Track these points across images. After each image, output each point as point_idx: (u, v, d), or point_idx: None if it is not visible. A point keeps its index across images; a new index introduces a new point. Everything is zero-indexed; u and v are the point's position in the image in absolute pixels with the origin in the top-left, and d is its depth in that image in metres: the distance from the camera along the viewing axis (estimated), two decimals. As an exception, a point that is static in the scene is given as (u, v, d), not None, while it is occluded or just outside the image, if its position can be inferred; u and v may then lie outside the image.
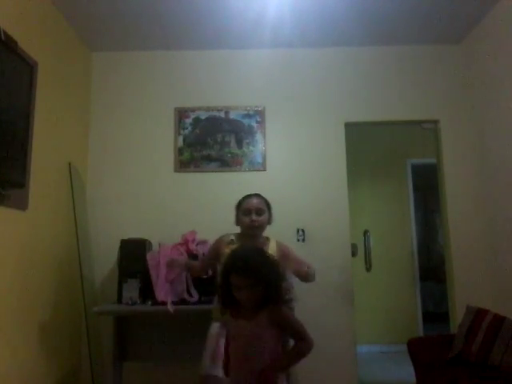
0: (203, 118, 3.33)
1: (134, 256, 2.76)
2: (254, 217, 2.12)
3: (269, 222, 2.23)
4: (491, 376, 2.18)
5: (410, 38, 3.29)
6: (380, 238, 4.55)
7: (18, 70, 2.26)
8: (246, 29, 3.09)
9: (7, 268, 2.21)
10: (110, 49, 3.38)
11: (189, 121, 3.33)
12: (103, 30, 3.11)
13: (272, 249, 2.15)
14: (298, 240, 3.15)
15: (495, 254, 2.99)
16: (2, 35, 2.09)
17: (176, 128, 3.32)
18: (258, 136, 3.31)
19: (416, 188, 4.93)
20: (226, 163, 3.28)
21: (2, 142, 2.10)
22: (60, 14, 2.87)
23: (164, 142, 3.30)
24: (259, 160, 3.28)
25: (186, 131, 3.32)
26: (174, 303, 2.56)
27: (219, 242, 2.24)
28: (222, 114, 3.34)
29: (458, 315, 2.97)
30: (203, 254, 2.69)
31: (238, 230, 2.27)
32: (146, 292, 2.68)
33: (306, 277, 2.10)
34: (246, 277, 1.52)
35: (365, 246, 3.88)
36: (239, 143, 3.30)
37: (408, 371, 2.71)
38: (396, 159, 4.88)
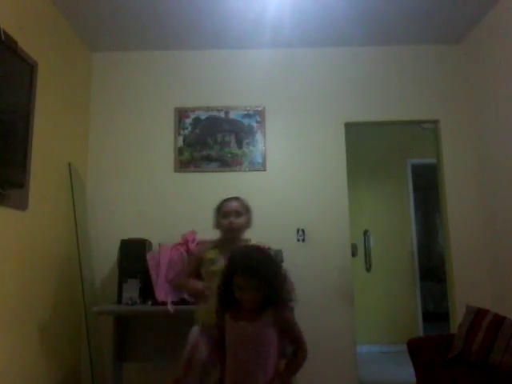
0: (203, 117, 3.33)
1: (133, 256, 2.76)
2: (232, 219, 2.12)
3: (248, 225, 2.21)
4: (491, 376, 2.18)
5: (410, 38, 3.29)
6: (380, 238, 4.56)
7: (18, 70, 2.26)
8: (246, 29, 3.09)
9: (7, 268, 2.21)
10: (109, 49, 3.38)
11: (189, 121, 3.33)
12: (103, 30, 3.11)
13: None
14: (298, 240, 3.15)
15: (495, 253, 2.99)
16: (2, 35, 2.09)
17: (176, 128, 3.31)
18: (258, 136, 3.31)
19: (416, 188, 4.93)
20: (225, 163, 3.28)
21: (2, 142, 2.10)
22: (60, 14, 2.87)
23: (164, 142, 3.30)
24: (259, 160, 3.28)
25: (186, 131, 3.32)
26: (173, 303, 2.56)
27: (199, 250, 2.23)
28: (222, 114, 3.34)
29: (458, 315, 2.97)
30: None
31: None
32: (146, 292, 2.68)
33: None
34: (251, 277, 1.48)
35: (365, 246, 3.89)
36: (239, 143, 3.30)
37: (408, 371, 2.71)
38: (396, 159, 4.88)
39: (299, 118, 3.33)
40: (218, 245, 2.16)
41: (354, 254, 3.25)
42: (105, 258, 3.11)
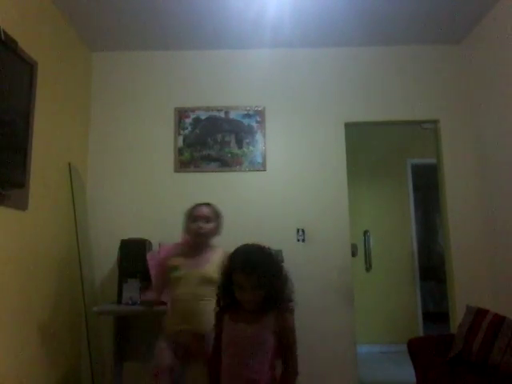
0: (203, 117, 3.33)
1: (133, 256, 2.75)
2: (201, 224, 2.12)
3: (217, 231, 2.20)
4: (491, 376, 2.18)
5: (410, 38, 3.29)
6: (380, 238, 4.56)
7: (18, 70, 2.26)
8: (246, 29, 3.09)
9: (7, 268, 2.20)
10: (109, 49, 3.39)
11: (189, 121, 3.33)
12: (103, 30, 3.11)
13: (217, 258, 2.10)
14: (298, 240, 3.15)
15: (495, 254, 2.99)
16: (2, 35, 2.09)
17: (176, 128, 3.32)
18: (258, 136, 3.31)
19: (416, 188, 4.93)
20: (225, 163, 3.28)
21: (1, 142, 2.10)
22: (60, 14, 2.86)
23: (164, 142, 3.31)
24: (259, 160, 3.28)
25: (186, 131, 3.32)
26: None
27: (164, 257, 2.22)
28: (222, 114, 3.34)
29: (458, 315, 2.97)
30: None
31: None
32: (146, 292, 2.68)
33: None
34: (251, 274, 1.44)
35: (365, 246, 3.89)
36: (239, 143, 3.30)
37: (408, 371, 2.71)
38: (396, 159, 4.88)
39: (299, 117, 3.33)
40: (182, 251, 2.15)
41: (353, 254, 3.25)
42: (105, 258, 3.11)
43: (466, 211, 3.18)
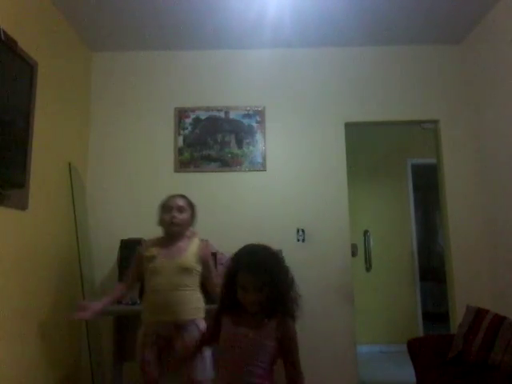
0: (203, 117, 3.33)
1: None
2: (174, 213, 2.12)
3: (191, 221, 2.21)
4: (491, 376, 2.18)
5: (410, 38, 3.29)
6: (380, 238, 4.55)
7: (18, 69, 2.26)
8: (246, 29, 3.09)
9: (7, 268, 2.20)
10: (110, 49, 3.39)
11: (189, 121, 3.33)
12: (103, 30, 3.11)
13: (194, 247, 2.14)
14: (298, 240, 3.15)
15: (495, 254, 2.99)
16: (2, 35, 2.09)
17: (176, 128, 3.32)
18: (258, 136, 3.31)
19: (416, 188, 4.93)
20: (226, 163, 3.28)
21: (2, 142, 2.10)
22: (60, 14, 2.86)
23: (164, 141, 3.31)
24: (259, 160, 3.28)
25: (186, 131, 3.32)
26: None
27: (140, 249, 2.22)
28: (222, 114, 3.34)
29: (458, 315, 2.97)
30: None
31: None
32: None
33: (214, 289, 2.12)
34: (255, 274, 1.40)
35: (365, 246, 3.88)
36: (239, 143, 3.30)
37: (408, 371, 2.71)
38: (396, 159, 4.88)
39: (299, 117, 3.33)
40: (158, 242, 2.16)
41: (353, 253, 3.24)
42: (105, 258, 3.11)
43: (465, 211, 3.18)
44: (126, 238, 2.85)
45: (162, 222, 2.18)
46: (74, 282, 2.87)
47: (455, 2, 2.81)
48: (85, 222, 3.11)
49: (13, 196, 2.22)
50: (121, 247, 2.80)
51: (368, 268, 3.82)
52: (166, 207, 2.17)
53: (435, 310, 5.36)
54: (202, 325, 2.05)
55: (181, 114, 3.33)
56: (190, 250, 2.12)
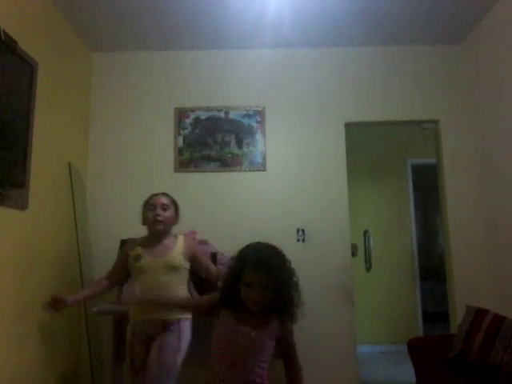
0: (203, 117, 3.33)
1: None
2: (158, 211, 2.12)
3: (175, 219, 2.22)
4: (491, 376, 2.18)
5: (410, 38, 3.29)
6: (380, 238, 4.55)
7: (18, 69, 2.26)
8: (246, 29, 3.09)
9: (7, 268, 2.21)
10: (110, 49, 3.38)
11: (189, 121, 3.33)
12: (103, 29, 3.11)
13: (180, 245, 2.16)
14: (298, 240, 3.15)
15: (495, 253, 2.99)
16: (2, 35, 2.09)
17: (176, 128, 3.31)
18: (258, 136, 3.31)
19: (416, 188, 4.93)
20: (225, 163, 3.28)
21: (2, 142, 2.10)
22: (60, 14, 2.86)
23: (164, 142, 3.30)
24: (259, 160, 3.28)
25: (186, 131, 3.32)
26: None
27: (124, 248, 2.24)
28: (222, 114, 3.34)
29: (458, 315, 2.97)
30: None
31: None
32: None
33: (216, 277, 2.14)
34: (263, 274, 1.39)
35: (365, 246, 3.88)
36: (239, 143, 3.30)
37: (408, 371, 2.71)
38: (396, 159, 4.88)
39: (299, 117, 3.33)
40: (143, 241, 2.16)
41: (353, 254, 3.24)
42: (105, 258, 3.10)
43: (466, 211, 3.18)
44: (125, 238, 2.84)
45: (145, 221, 2.18)
46: (74, 282, 2.87)
47: (455, 2, 2.81)
48: (85, 222, 3.11)
49: (13, 196, 2.22)
50: (121, 247, 2.80)
51: (368, 268, 3.82)
52: (150, 205, 2.17)
53: (435, 310, 5.36)
54: (186, 330, 2.06)
55: (181, 114, 3.33)
56: (176, 248, 2.14)
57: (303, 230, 3.17)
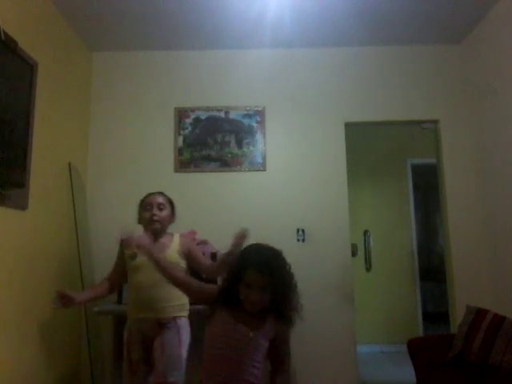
0: (203, 118, 3.33)
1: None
2: (154, 211, 2.12)
3: (171, 219, 2.23)
4: (491, 376, 2.18)
5: (410, 38, 3.29)
6: (380, 238, 4.55)
7: (18, 69, 2.26)
8: (246, 29, 3.09)
9: (7, 268, 2.20)
10: (110, 49, 3.39)
11: (189, 121, 3.33)
12: (103, 30, 3.11)
13: (175, 244, 2.16)
14: (298, 240, 3.15)
15: (495, 254, 2.99)
16: (2, 35, 2.09)
17: (176, 128, 3.32)
18: (258, 136, 3.31)
19: (416, 188, 4.93)
20: (225, 163, 3.28)
21: (2, 142, 2.10)
22: (60, 14, 2.86)
23: (164, 141, 3.30)
24: (259, 160, 3.28)
25: (186, 131, 3.32)
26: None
27: (120, 247, 2.24)
28: (222, 114, 3.34)
29: (458, 315, 2.97)
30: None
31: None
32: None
33: (212, 272, 2.14)
34: (264, 275, 1.39)
35: (365, 246, 3.88)
36: (239, 143, 3.30)
37: (408, 371, 2.71)
38: (396, 159, 4.88)
39: (299, 117, 3.33)
40: (140, 239, 2.16)
41: (354, 253, 3.25)
42: (105, 258, 3.09)
43: (466, 211, 3.18)
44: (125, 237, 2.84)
45: (141, 220, 2.18)
46: (74, 282, 2.87)
47: (455, 1, 2.81)
48: (85, 222, 3.11)
49: (13, 196, 2.22)
50: (120, 247, 2.79)
51: (368, 268, 3.82)
52: (146, 205, 2.18)
53: (435, 310, 5.36)
54: (184, 325, 2.06)
55: (181, 113, 3.33)
56: (172, 247, 2.14)
57: (303, 230, 3.17)
